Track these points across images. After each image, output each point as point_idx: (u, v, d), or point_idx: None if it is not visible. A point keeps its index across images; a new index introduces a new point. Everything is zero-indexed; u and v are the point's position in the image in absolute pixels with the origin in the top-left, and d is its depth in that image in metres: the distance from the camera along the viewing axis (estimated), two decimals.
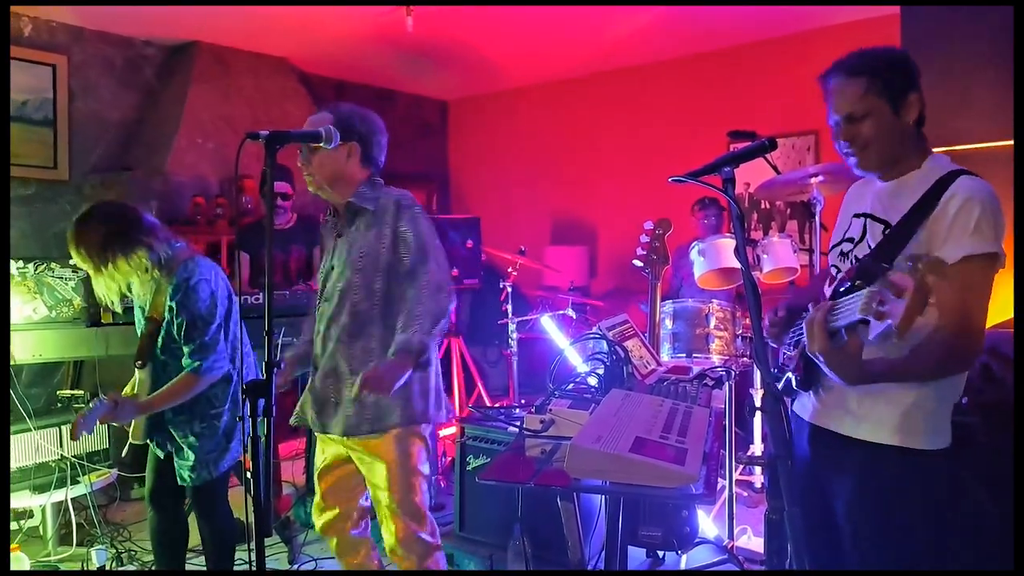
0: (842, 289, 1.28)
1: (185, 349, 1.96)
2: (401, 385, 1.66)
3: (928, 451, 1.28)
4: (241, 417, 1.36)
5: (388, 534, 1.82)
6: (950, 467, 1.31)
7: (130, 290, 1.98)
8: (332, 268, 1.84)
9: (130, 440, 2.11)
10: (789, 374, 1.40)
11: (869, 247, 1.33)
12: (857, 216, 1.39)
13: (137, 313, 2.06)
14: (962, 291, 1.18)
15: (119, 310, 2.04)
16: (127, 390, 2.08)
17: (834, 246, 1.45)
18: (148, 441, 2.08)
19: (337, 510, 1.91)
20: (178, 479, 2.04)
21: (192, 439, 2.01)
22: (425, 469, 1.83)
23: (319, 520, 1.94)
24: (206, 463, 2.02)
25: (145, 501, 2.17)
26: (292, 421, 1.91)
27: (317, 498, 1.93)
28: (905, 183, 1.33)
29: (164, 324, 1.97)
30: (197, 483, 2.03)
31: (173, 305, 1.93)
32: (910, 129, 1.33)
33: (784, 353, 1.45)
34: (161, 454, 2.09)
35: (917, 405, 1.27)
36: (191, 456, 2.02)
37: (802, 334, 1.33)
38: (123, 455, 2.46)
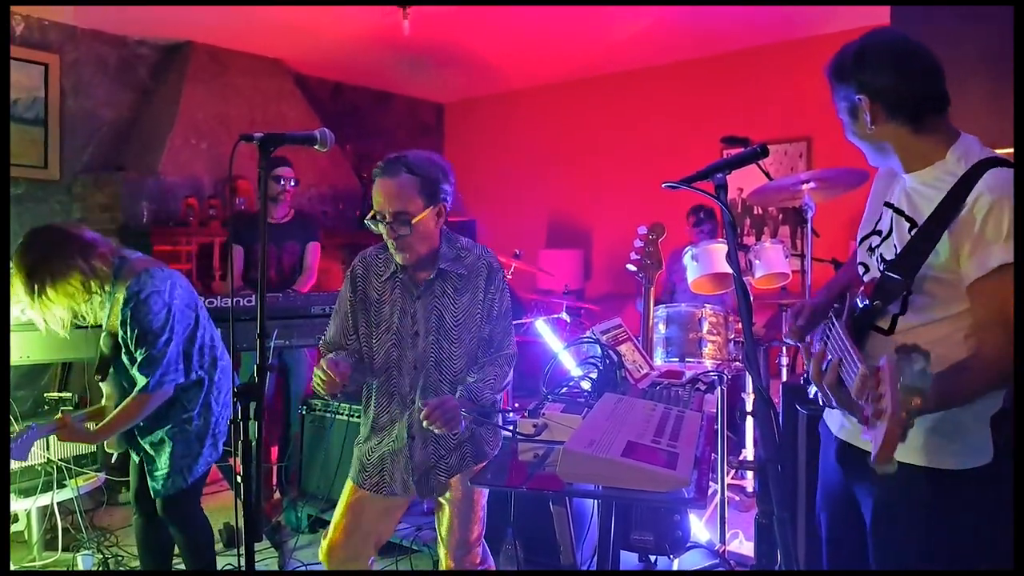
0: (861, 306, 1.20)
1: (136, 361, 1.91)
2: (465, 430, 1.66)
3: (960, 471, 1.15)
4: (234, 420, 1.34)
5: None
6: (988, 487, 1.17)
7: (76, 316, 1.91)
8: (417, 335, 1.72)
9: (106, 449, 2.10)
10: (815, 387, 1.30)
11: (895, 247, 1.21)
12: (887, 205, 1.26)
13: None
14: (1001, 303, 1.06)
15: (66, 335, 1.94)
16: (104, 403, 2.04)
17: (863, 238, 1.31)
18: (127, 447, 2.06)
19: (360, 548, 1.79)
20: (150, 491, 2.01)
21: (165, 444, 1.98)
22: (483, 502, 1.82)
23: (340, 554, 1.77)
24: (180, 468, 1.99)
25: (132, 503, 2.15)
26: (383, 492, 1.75)
27: (339, 535, 1.77)
28: (927, 177, 1.18)
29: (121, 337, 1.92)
30: (170, 492, 1.99)
31: (124, 317, 1.88)
32: (881, 131, 1.19)
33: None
34: (137, 458, 2.07)
35: (946, 422, 1.13)
36: (165, 463, 1.98)
37: (828, 337, 1.25)
38: (112, 459, 2.43)
